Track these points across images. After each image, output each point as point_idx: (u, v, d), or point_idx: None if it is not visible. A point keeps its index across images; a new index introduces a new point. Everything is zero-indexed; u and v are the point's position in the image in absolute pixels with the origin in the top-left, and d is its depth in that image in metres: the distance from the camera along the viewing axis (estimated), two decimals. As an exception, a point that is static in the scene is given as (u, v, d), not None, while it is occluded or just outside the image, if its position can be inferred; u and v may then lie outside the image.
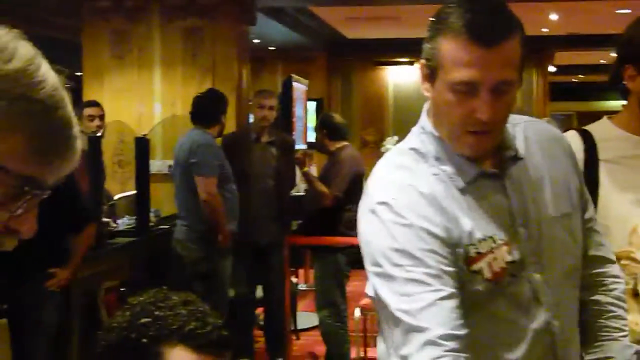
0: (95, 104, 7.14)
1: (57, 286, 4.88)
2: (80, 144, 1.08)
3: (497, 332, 1.87)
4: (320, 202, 6.41)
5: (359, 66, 14.92)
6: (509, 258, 1.85)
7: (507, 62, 1.79)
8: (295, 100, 9.58)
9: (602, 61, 16.69)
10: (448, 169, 1.88)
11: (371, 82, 14.99)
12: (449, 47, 1.79)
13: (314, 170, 7.77)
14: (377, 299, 1.84)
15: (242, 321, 6.55)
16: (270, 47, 13.56)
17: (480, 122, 1.80)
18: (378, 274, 1.81)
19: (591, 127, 2.54)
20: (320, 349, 6.85)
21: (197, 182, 6.05)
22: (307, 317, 7.98)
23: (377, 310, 1.89)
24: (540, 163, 1.98)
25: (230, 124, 7.09)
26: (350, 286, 6.85)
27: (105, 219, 6.29)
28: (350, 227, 6.17)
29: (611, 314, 2.05)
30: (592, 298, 2.07)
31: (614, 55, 2.55)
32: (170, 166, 6.89)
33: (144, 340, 1.55)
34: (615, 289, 2.08)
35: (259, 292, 6.85)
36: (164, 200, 7.43)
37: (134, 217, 6.71)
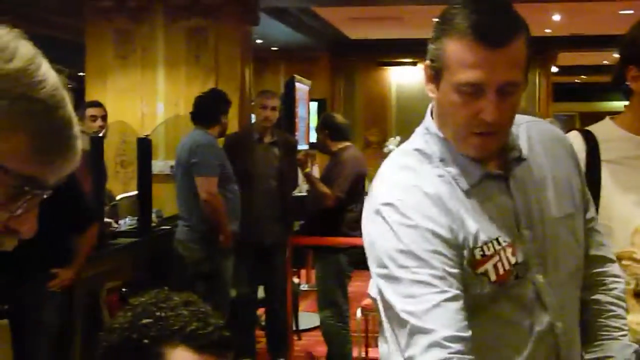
0: (97, 104, 7.15)
1: (60, 287, 4.88)
2: (80, 143, 1.08)
3: (501, 334, 1.87)
4: (322, 202, 6.40)
5: (361, 66, 14.93)
6: (513, 260, 1.85)
7: (513, 63, 1.78)
8: (297, 100, 9.58)
9: (605, 62, 16.69)
10: (453, 170, 1.88)
11: (374, 83, 14.99)
12: (455, 48, 1.78)
13: (316, 171, 7.77)
14: (381, 300, 1.83)
15: (244, 321, 6.55)
16: (273, 47, 13.57)
17: (486, 124, 1.79)
18: (383, 276, 1.81)
19: (594, 128, 2.54)
20: (322, 350, 6.85)
21: (198, 182, 6.05)
22: (308, 318, 7.97)
23: (379, 311, 1.88)
24: (543, 163, 1.97)
25: (232, 124, 7.09)
26: (352, 286, 6.85)
27: (107, 220, 6.29)
28: (352, 228, 6.18)
29: (611, 313, 2.05)
30: (593, 297, 2.06)
31: (617, 56, 2.55)
32: (172, 166, 6.89)
33: (146, 340, 1.55)
34: (615, 288, 2.08)
35: (261, 292, 6.85)
36: (166, 201, 7.43)
37: (136, 218, 6.71)
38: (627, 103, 2.53)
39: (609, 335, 2.03)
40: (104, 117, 7.00)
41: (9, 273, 4.68)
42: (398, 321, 1.76)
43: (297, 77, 9.84)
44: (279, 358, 6.80)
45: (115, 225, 6.55)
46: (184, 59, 8.41)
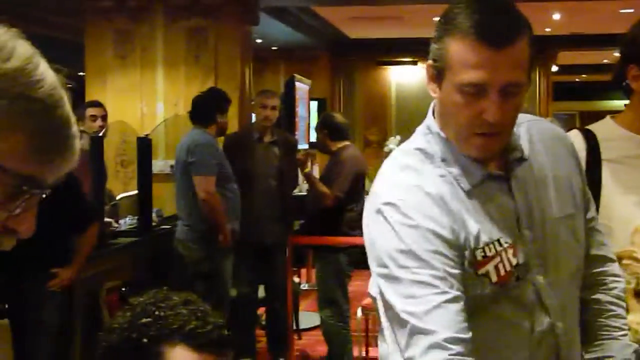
0: (97, 104, 7.15)
1: (60, 286, 4.88)
2: (78, 143, 1.07)
3: (502, 334, 1.86)
4: (321, 202, 6.40)
5: (361, 66, 14.93)
6: (514, 261, 1.84)
7: (516, 64, 1.77)
8: (297, 100, 9.59)
9: (605, 61, 16.68)
10: (454, 170, 1.87)
11: (374, 82, 15.00)
12: (457, 48, 1.77)
13: (316, 170, 7.77)
14: (381, 300, 1.83)
15: (244, 321, 6.55)
16: (273, 47, 13.57)
17: (488, 124, 1.78)
18: (384, 275, 1.80)
19: (594, 127, 2.53)
20: (322, 349, 6.84)
21: (196, 182, 6.05)
22: (309, 317, 7.97)
23: (378, 311, 1.88)
24: (544, 162, 1.96)
25: (232, 124, 7.09)
26: (352, 286, 6.84)
27: (107, 219, 6.28)
28: (352, 227, 6.18)
29: (611, 313, 2.05)
30: (593, 297, 2.06)
31: (617, 54, 2.54)
32: (172, 166, 6.89)
33: (145, 340, 1.55)
34: (615, 287, 2.08)
35: (261, 292, 6.85)
36: (166, 200, 7.43)
37: (136, 217, 6.71)
38: (627, 102, 2.53)
39: (609, 335, 2.03)
40: (104, 117, 7.00)
41: (9, 273, 4.68)
42: (398, 321, 1.76)
43: (297, 76, 9.84)
44: (279, 357, 6.80)
45: (116, 225, 6.55)
46: (183, 58, 8.41)
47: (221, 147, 6.57)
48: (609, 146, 2.46)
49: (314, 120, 10.26)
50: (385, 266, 1.80)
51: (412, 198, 1.82)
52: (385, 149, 9.71)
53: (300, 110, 9.82)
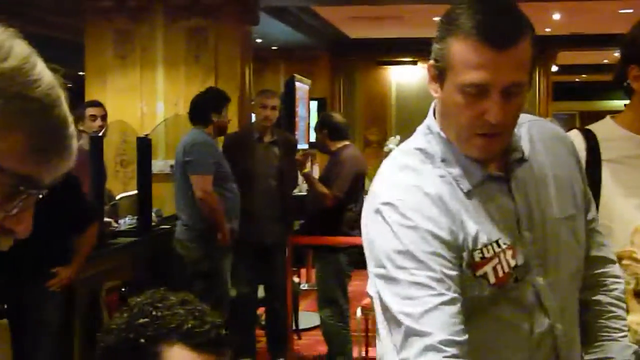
0: (97, 103, 7.14)
1: (60, 286, 4.88)
2: (76, 143, 1.07)
3: (501, 336, 1.86)
4: (321, 203, 6.40)
5: (362, 66, 14.93)
6: (513, 263, 1.84)
7: (519, 64, 1.76)
8: (297, 99, 9.59)
9: (605, 61, 16.69)
10: (454, 171, 1.86)
11: (374, 82, 15.00)
12: (459, 49, 1.76)
13: (316, 171, 7.76)
14: (379, 300, 1.82)
15: (244, 321, 6.54)
16: (273, 46, 13.57)
17: (490, 125, 1.77)
18: (381, 276, 1.80)
19: (594, 127, 2.53)
20: (322, 349, 6.84)
21: (193, 181, 6.06)
22: (309, 317, 7.97)
23: (376, 310, 1.87)
24: (544, 162, 1.96)
25: (232, 124, 7.09)
26: (352, 286, 6.84)
27: (107, 219, 6.28)
28: (352, 227, 6.18)
29: (611, 315, 2.04)
30: (593, 298, 2.05)
31: (617, 55, 2.54)
32: (172, 166, 6.89)
33: (142, 340, 1.55)
34: (615, 289, 2.07)
35: (261, 292, 6.84)
36: (166, 200, 7.44)
37: (136, 217, 6.71)
38: (627, 102, 2.52)
39: (609, 336, 2.02)
40: (104, 117, 7.00)
41: (9, 272, 4.68)
42: (394, 322, 1.75)
43: (297, 76, 9.84)
44: (279, 357, 6.80)
45: (115, 225, 6.54)
46: (183, 58, 8.41)
47: (221, 146, 6.58)
48: (609, 146, 2.45)
49: (314, 120, 10.26)
50: (383, 266, 1.79)
51: (410, 198, 1.81)
52: (385, 149, 9.71)
53: (300, 110, 9.82)
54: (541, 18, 11.55)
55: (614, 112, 2.65)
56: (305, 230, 6.93)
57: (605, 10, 11.23)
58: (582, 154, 2.35)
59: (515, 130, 1.92)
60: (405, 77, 14.68)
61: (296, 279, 8.30)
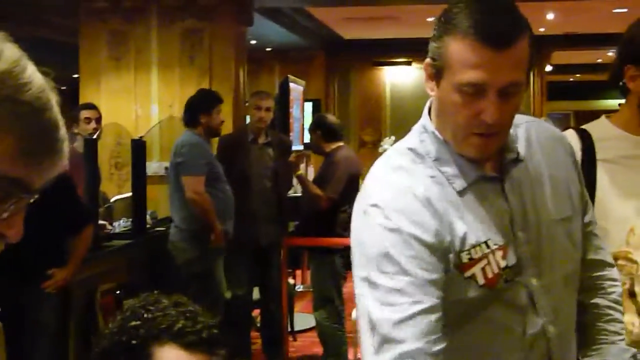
0: (92, 106, 7.13)
1: (55, 287, 4.88)
2: (67, 146, 1.06)
3: (493, 338, 1.84)
4: (315, 204, 6.40)
5: (356, 66, 14.93)
6: (503, 264, 1.82)
7: (516, 64, 1.75)
8: (292, 101, 9.59)
9: (599, 60, 16.72)
10: (448, 170, 1.85)
11: (369, 82, 15.00)
12: (457, 48, 1.74)
13: (311, 172, 7.75)
14: (359, 303, 1.81)
15: (240, 323, 6.54)
16: (268, 48, 13.56)
17: (486, 124, 1.76)
18: (363, 278, 1.78)
19: (589, 127, 2.52)
20: (318, 350, 6.84)
21: (184, 182, 6.06)
22: (304, 319, 7.96)
23: (358, 311, 1.85)
24: (541, 163, 1.95)
25: (227, 126, 7.09)
26: (347, 287, 6.83)
27: (101, 221, 6.28)
28: (346, 229, 6.12)
29: (609, 318, 2.04)
30: (591, 301, 2.05)
31: (611, 54, 2.54)
32: (166, 168, 6.89)
33: (134, 341, 1.55)
34: (613, 292, 2.07)
35: (256, 293, 6.84)
36: (160, 202, 7.43)
37: (131, 220, 6.70)
38: (622, 101, 2.51)
39: (606, 339, 2.02)
40: (98, 120, 6.99)
41: (5, 274, 4.67)
42: (372, 326, 1.74)
43: (291, 77, 9.84)
44: (274, 359, 6.79)
45: (110, 227, 6.54)
46: (178, 60, 8.41)
47: (215, 148, 6.58)
48: (605, 146, 2.45)
49: (308, 122, 10.26)
50: (365, 269, 1.78)
51: (398, 200, 1.79)
52: (380, 150, 9.71)
53: (294, 111, 9.82)
54: (535, 18, 11.55)
55: (608, 112, 2.64)
56: (300, 231, 6.93)
57: (600, 10, 11.25)
58: (578, 153, 2.34)
59: (512, 131, 1.91)
60: (399, 78, 14.69)
61: (291, 281, 8.29)
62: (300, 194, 7.43)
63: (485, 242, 1.81)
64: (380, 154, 2.02)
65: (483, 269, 1.80)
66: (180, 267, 6.15)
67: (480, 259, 1.80)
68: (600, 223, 2.19)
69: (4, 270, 4.62)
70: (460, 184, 1.84)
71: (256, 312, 7.11)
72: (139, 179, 6.73)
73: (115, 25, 8.44)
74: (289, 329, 7.44)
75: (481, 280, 1.80)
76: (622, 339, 2.03)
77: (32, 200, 1.05)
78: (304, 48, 13.62)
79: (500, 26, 1.73)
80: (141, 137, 7.20)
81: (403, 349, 1.67)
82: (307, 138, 9.49)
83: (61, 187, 4.45)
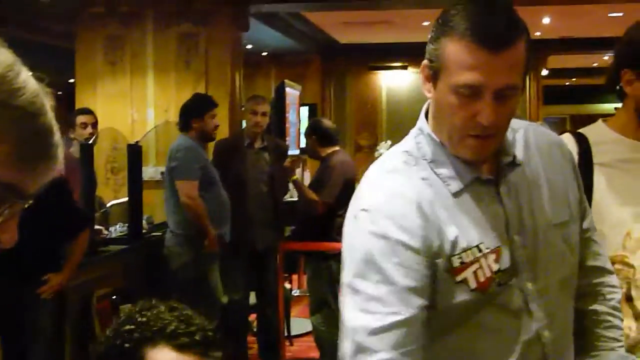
0: (88, 111, 7.13)
1: (51, 292, 4.87)
2: (61, 151, 1.06)
3: (486, 343, 1.83)
4: (311, 209, 6.40)
5: (352, 71, 14.93)
6: (495, 267, 1.81)
7: (513, 67, 1.75)
8: (288, 105, 9.58)
9: (595, 64, 16.73)
10: (444, 171, 1.84)
11: (365, 87, 15.00)
12: (454, 50, 1.74)
13: (307, 176, 7.75)
14: (341, 308, 1.81)
15: (236, 327, 6.53)
16: (264, 52, 13.56)
17: (482, 126, 1.75)
18: (347, 284, 1.79)
19: (586, 130, 2.52)
20: (314, 355, 6.83)
21: (178, 186, 6.05)
22: (300, 323, 7.95)
23: (341, 314, 1.85)
24: (538, 168, 1.94)
25: (223, 130, 7.08)
26: (344, 292, 6.82)
27: (97, 226, 6.27)
28: (342, 233, 6.16)
29: (608, 324, 2.03)
30: (591, 308, 2.04)
31: (607, 58, 2.54)
32: (162, 173, 6.88)
33: (127, 345, 1.56)
34: (612, 298, 2.06)
35: (252, 298, 6.83)
36: (156, 207, 7.41)
37: (127, 224, 6.69)
38: (618, 105, 2.51)
39: (605, 345, 2.01)
40: (95, 125, 6.99)
41: (0, 279, 4.67)
42: (348, 333, 1.74)
43: (288, 82, 9.83)
44: (270, 364, 6.79)
45: (106, 232, 6.53)
46: (173, 64, 8.40)
47: (211, 152, 6.57)
48: (601, 150, 2.45)
49: (304, 126, 10.25)
50: (350, 274, 1.78)
51: (388, 205, 1.79)
52: (376, 154, 9.70)
53: (290, 115, 9.81)
54: (531, 22, 11.45)
55: (604, 116, 2.64)
56: (297, 236, 6.92)
57: (595, 14, 11.25)
58: (574, 157, 2.34)
59: (510, 135, 1.91)
60: (396, 82, 14.69)
61: (288, 285, 8.28)
62: (296, 199, 7.43)
63: (477, 246, 1.80)
64: (376, 158, 2.02)
65: (475, 273, 1.79)
66: (176, 271, 6.15)
67: (471, 263, 1.79)
68: (597, 227, 2.19)
69: (0, 275, 4.61)
70: (455, 185, 1.84)
71: (253, 317, 7.10)
72: (135, 184, 6.73)
73: (112, 30, 8.44)
74: (286, 334, 7.43)
75: (473, 284, 1.79)
76: (621, 346, 2.02)
77: (26, 206, 1.05)
78: (300, 52, 13.62)
79: (497, 28, 1.73)
80: (137, 141, 7.20)
81: (376, 359, 1.68)
82: (303, 143, 9.49)
83: (57, 192, 4.45)
